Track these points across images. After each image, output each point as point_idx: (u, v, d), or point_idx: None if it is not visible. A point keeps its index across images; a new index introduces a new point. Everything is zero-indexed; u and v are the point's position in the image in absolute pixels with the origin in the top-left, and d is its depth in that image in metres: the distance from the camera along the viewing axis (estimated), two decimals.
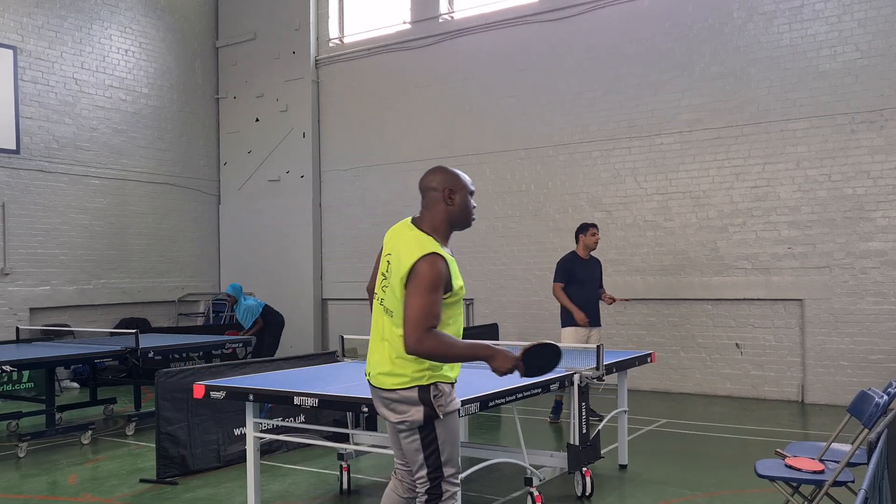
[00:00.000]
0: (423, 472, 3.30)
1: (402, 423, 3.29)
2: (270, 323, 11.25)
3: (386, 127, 12.82)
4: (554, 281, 8.09)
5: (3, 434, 8.08)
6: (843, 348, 9.14)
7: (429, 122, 12.36)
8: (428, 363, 3.23)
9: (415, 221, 3.37)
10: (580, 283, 7.98)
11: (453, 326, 3.33)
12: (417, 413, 3.25)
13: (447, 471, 3.31)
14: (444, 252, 3.25)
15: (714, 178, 9.99)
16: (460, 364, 3.41)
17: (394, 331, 3.27)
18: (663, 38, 10.34)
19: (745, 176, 9.79)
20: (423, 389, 3.23)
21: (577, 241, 8.20)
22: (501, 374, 3.19)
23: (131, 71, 13.09)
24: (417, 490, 3.35)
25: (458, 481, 3.39)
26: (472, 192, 3.41)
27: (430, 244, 3.23)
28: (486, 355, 3.17)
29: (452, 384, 3.36)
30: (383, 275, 3.37)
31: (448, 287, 3.22)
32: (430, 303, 3.11)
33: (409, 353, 3.13)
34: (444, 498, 3.31)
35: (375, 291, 3.45)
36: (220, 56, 14.59)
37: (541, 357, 3.23)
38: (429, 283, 3.12)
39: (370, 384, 3.41)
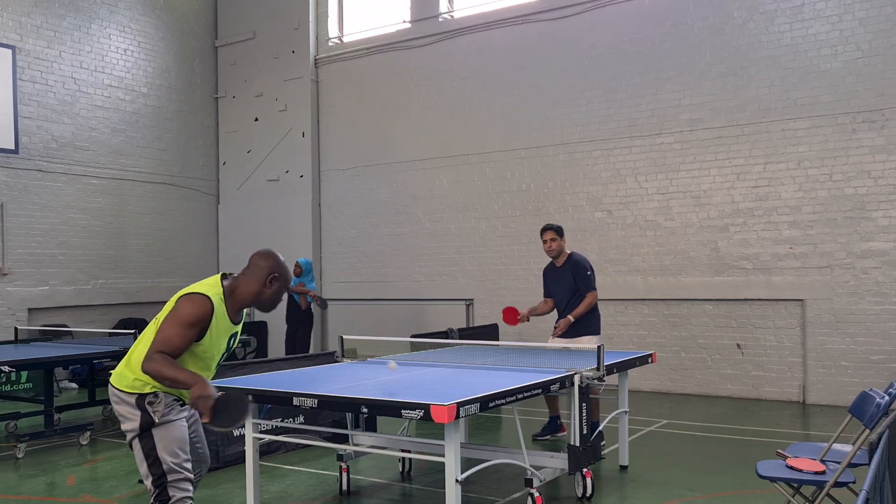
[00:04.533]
0: (149, 481, 3.45)
1: (126, 431, 3.49)
2: (308, 318, 11.11)
3: (386, 127, 12.81)
4: None
5: (2, 435, 8.06)
6: (844, 348, 9.12)
7: (429, 122, 12.34)
8: (147, 378, 3.42)
9: (223, 276, 3.61)
10: (548, 292, 7.42)
11: (189, 364, 3.50)
12: (135, 420, 3.44)
13: (172, 476, 3.45)
14: (217, 302, 3.46)
15: (715, 177, 9.97)
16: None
17: (145, 338, 3.50)
18: (663, 37, 10.33)
19: (745, 176, 9.77)
20: (141, 396, 3.44)
21: None
22: (193, 400, 3.25)
23: (130, 70, 13.07)
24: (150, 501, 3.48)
25: (189, 488, 3.50)
26: (286, 287, 3.69)
27: (207, 289, 3.47)
28: (189, 383, 3.26)
29: (177, 399, 3.54)
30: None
31: (201, 334, 3.43)
32: (175, 335, 3.33)
33: (141, 369, 3.37)
34: (171, 501, 3.44)
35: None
36: (219, 55, 14.57)
37: (229, 408, 3.32)
38: (183, 318, 3.35)
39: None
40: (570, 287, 7.13)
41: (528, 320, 7.34)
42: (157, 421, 3.44)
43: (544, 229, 7.25)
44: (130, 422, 3.46)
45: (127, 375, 3.49)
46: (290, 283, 3.70)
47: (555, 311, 7.32)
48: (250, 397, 3.55)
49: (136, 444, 3.47)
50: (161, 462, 3.44)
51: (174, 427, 3.51)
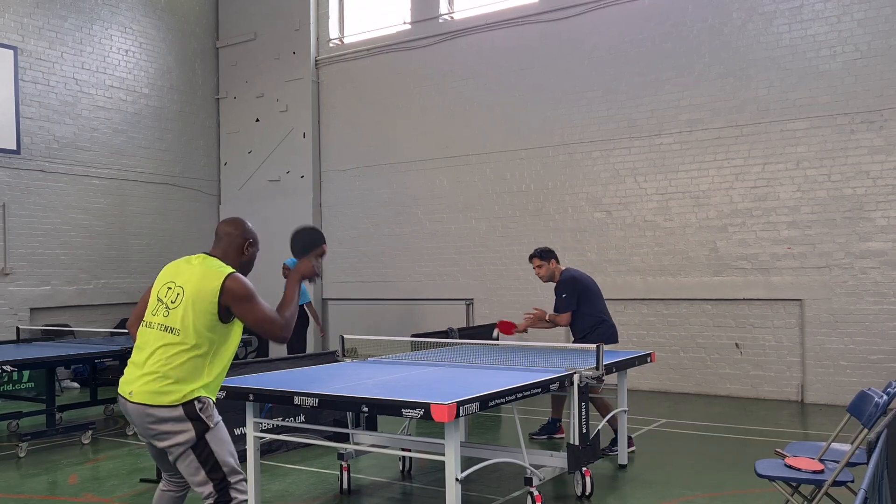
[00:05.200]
0: (210, 486, 3.34)
1: (173, 447, 3.34)
2: (301, 319, 11.04)
3: (386, 127, 12.83)
4: None
5: (4, 434, 8.08)
6: (842, 348, 9.14)
7: (429, 122, 12.37)
8: (194, 385, 3.35)
9: (206, 255, 3.64)
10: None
11: (223, 354, 3.48)
12: (188, 431, 3.31)
13: (234, 478, 3.40)
14: None
15: (714, 178, 10.00)
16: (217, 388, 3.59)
17: (172, 348, 3.35)
18: (663, 38, 10.35)
19: (744, 176, 9.80)
20: (188, 405, 3.31)
21: None
22: (313, 276, 3.78)
23: (131, 71, 13.10)
24: (205, 502, 3.39)
25: (246, 488, 3.46)
26: (258, 250, 3.80)
27: (228, 267, 3.53)
28: (295, 282, 3.68)
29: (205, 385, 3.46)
30: (160, 300, 3.50)
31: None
32: (262, 306, 3.47)
33: (284, 341, 3.54)
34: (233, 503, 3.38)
35: (146, 318, 3.53)
36: (220, 56, 14.60)
37: (303, 239, 4.01)
38: (249, 294, 3.45)
39: (128, 402, 3.39)
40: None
41: (527, 331, 7.34)
42: (211, 426, 3.34)
43: (530, 258, 7.22)
44: (181, 435, 3.30)
45: (169, 391, 3.30)
46: (258, 245, 3.78)
47: (557, 326, 7.28)
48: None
49: (190, 456, 3.32)
50: (221, 465, 3.34)
51: (222, 429, 3.43)
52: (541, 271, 7.15)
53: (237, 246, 3.65)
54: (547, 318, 7.12)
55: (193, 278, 3.45)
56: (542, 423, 7.60)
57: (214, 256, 3.61)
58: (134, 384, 3.37)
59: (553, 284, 7.20)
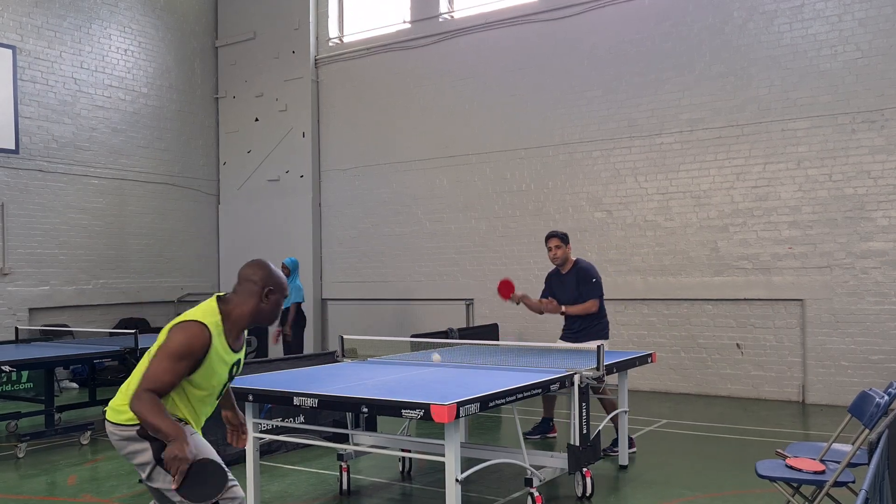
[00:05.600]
0: None
1: (139, 466, 3.21)
2: (301, 319, 11.02)
3: (386, 127, 12.82)
4: None
5: (3, 434, 8.06)
6: (843, 348, 9.13)
7: (429, 122, 12.35)
8: None
9: (219, 299, 3.32)
10: (551, 296, 7.21)
11: (187, 406, 3.25)
12: (146, 451, 3.17)
13: None
14: (215, 331, 3.19)
15: (715, 177, 9.98)
16: (201, 418, 3.37)
17: (137, 373, 3.21)
18: (663, 37, 10.33)
19: (745, 176, 9.78)
20: (141, 426, 3.14)
21: None
22: (167, 459, 3.02)
23: (130, 70, 13.08)
24: None
25: (235, 494, 3.23)
26: (284, 296, 3.41)
27: (205, 315, 3.20)
28: (170, 437, 3.01)
29: (180, 419, 3.25)
30: None
31: (195, 366, 3.15)
32: (164, 370, 3.08)
33: (129, 406, 3.11)
34: None
35: None
36: (219, 55, 14.58)
37: (204, 481, 3.07)
38: (174, 349, 3.09)
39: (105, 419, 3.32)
40: (573, 294, 6.99)
41: (519, 304, 7.20)
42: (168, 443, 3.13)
43: (549, 236, 7.09)
44: (141, 455, 3.18)
45: (124, 409, 3.19)
46: (286, 290, 3.41)
47: (545, 312, 7.21)
48: (229, 474, 3.15)
49: (160, 475, 3.17)
50: None
51: (195, 442, 3.23)
52: (558, 252, 7.03)
53: (255, 293, 3.30)
54: (564, 309, 6.99)
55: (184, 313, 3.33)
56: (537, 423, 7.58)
57: (229, 300, 3.33)
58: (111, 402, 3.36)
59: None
